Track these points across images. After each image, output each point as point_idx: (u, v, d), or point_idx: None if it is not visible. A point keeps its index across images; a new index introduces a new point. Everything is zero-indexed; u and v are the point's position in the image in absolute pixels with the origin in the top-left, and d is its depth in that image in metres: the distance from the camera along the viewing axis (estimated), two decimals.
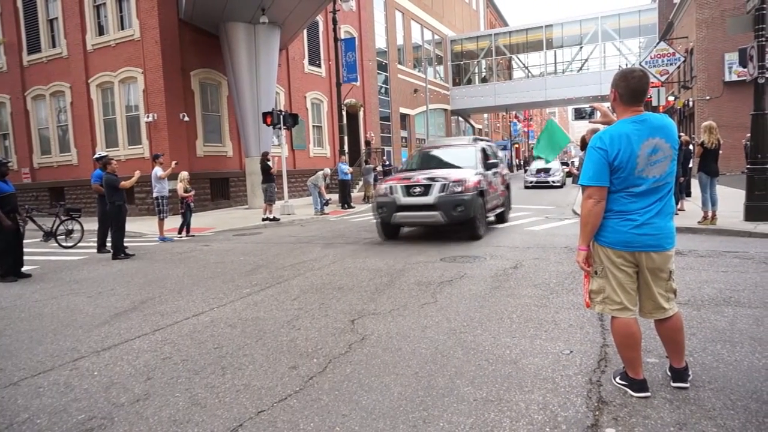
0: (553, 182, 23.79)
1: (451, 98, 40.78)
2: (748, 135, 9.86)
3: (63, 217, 10.99)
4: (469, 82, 41.78)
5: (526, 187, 23.79)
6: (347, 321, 4.58)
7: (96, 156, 11.07)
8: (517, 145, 55.15)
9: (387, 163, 22.75)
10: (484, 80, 41.19)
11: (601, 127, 2.94)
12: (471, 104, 40.73)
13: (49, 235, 10.80)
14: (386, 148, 29.83)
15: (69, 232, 10.95)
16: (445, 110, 40.46)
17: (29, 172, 21.04)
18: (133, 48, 17.46)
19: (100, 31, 18.55)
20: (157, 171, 11.13)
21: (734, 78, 23.29)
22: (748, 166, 9.27)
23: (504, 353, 3.63)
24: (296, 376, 3.42)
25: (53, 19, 19.69)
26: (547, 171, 23.96)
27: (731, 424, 2.51)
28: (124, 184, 9.38)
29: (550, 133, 11.74)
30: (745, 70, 9.70)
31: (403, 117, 34.22)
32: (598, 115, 3.16)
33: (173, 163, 11.54)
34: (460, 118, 44.56)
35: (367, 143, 26.91)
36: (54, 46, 19.76)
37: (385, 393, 3.08)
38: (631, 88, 2.74)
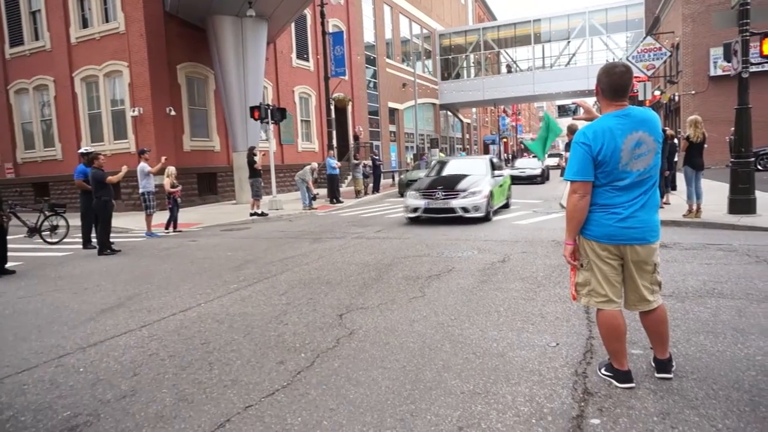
0: (465, 208, 10.29)
1: (439, 92, 40.81)
2: (733, 129, 9.98)
3: (47, 213, 10.83)
4: (458, 76, 41.84)
5: (410, 218, 11.09)
6: (335, 316, 4.57)
7: (81, 151, 10.86)
8: (505, 139, 55.35)
9: (377, 156, 22.57)
10: (467, 75, 41.24)
11: (583, 123, 2.96)
12: (459, 98, 40.83)
13: (34, 230, 10.64)
14: (375, 143, 29.76)
15: (54, 228, 10.79)
16: (434, 104, 40.49)
17: (13, 167, 20.71)
18: (118, 41, 17.22)
19: (84, 23, 18.26)
20: (144, 167, 10.99)
21: (719, 73, 23.54)
22: (732, 159, 9.39)
23: (491, 346, 3.65)
24: (284, 370, 3.42)
25: (36, 11, 19.35)
26: (450, 186, 10.74)
27: (713, 413, 2.56)
28: (111, 179, 9.24)
29: (547, 126, 11.74)
30: (730, 64, 9.80)
31: (392, 111, 34.18)
32: (581, 112, 3.18)
33: (163, 158, 11.37)
34: (449, 113, 44.63)
35: (356, 138, 26.83)
36: (37, 38, 19.43)
37: (373, 387, 3.09)
38: (612, 84, 2.76)
